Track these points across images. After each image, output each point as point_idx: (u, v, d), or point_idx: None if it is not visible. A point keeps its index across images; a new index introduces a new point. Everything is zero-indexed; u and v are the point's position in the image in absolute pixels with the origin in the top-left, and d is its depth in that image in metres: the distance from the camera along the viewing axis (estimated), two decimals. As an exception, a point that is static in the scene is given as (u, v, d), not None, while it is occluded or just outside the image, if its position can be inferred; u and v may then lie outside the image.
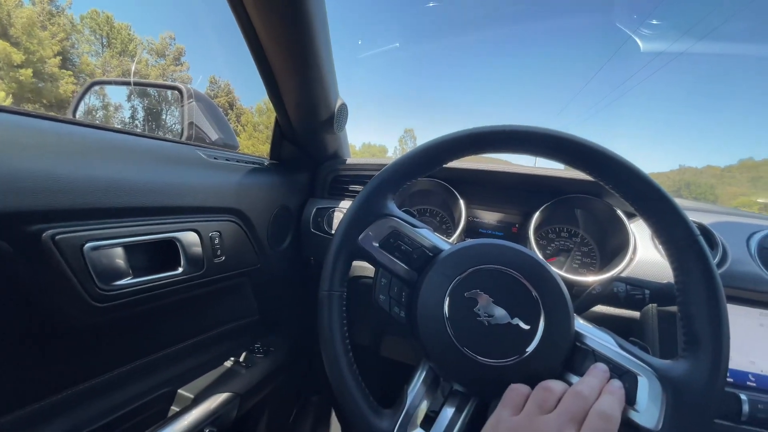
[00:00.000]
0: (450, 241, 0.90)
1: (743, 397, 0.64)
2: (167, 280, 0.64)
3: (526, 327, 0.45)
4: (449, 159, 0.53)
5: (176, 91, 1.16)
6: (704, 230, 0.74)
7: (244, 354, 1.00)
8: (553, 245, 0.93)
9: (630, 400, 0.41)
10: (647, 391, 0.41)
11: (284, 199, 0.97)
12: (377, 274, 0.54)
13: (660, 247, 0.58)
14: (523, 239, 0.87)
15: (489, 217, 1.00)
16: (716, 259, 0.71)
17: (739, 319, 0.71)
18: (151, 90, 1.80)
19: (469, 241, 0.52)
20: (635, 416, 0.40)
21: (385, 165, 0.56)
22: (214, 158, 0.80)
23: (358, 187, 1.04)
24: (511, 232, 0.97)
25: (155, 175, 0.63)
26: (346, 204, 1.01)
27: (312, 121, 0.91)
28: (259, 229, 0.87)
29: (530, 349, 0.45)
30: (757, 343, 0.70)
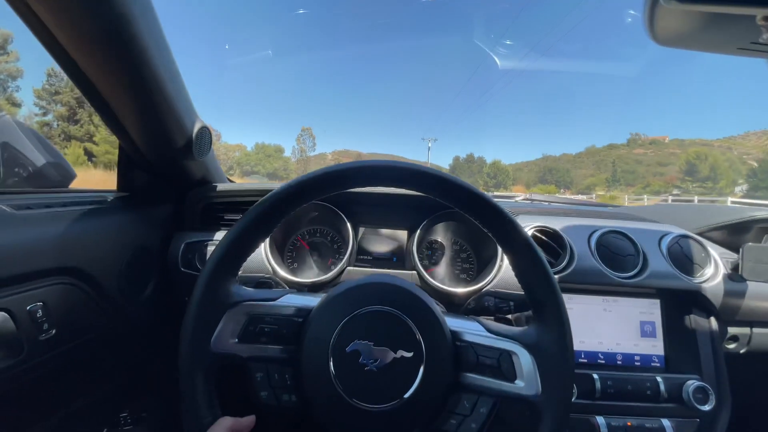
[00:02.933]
0: (339, 266, 0.89)
1: (595, 376, 0.76)
2: None
3: (410, 354, 0.46)
4: (283, 216, 0.50)
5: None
6: (556, 234, 0.86)
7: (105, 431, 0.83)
8: (436, 255, 0.99)
9: (511, 376, 0.46)
10: (523, 362, 0.46)
11: (140, 239, 0.82)
12: (249, 371, 0.48)
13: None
14: (410, 255, 0.91)
15: (378, 237, 1.01)
16: (566, 258, 0.83)
17: (587, 307, 0.85)
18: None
19: (332, 291, 0.50)
20: (522, 389, 0.45)
21: (269, 190, 0.50)
22: (26, 208, 0.62)
23: (235, 216, 0.94)
24: (401, 250, 0.99)
25: None
26: (222, 236, 0.90)
27: (165, 149, 0.78)
28: (107, 282, 0.72)
29: (419, 374, 0.45)
30: (602, 326, 0.84)
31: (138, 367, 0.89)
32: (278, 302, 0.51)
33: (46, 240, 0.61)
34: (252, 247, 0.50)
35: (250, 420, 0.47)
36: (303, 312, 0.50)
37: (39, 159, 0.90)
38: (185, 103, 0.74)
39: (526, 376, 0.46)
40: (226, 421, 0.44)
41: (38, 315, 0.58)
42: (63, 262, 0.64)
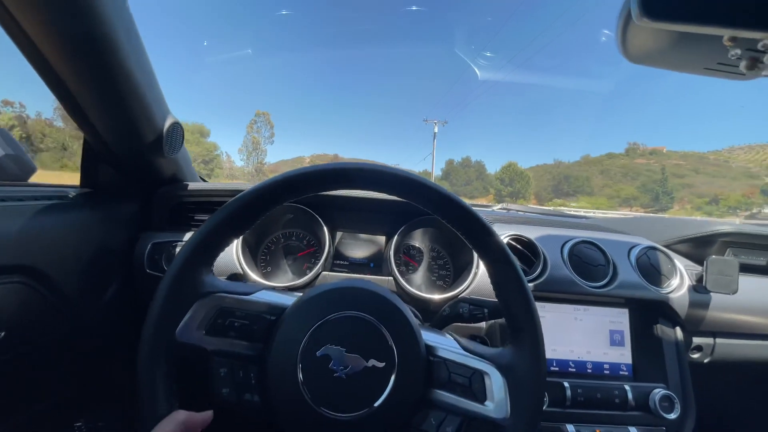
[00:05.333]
0: (315, 270, 0.88)
1: (566, 384, 0.77)
2: None
3: (381, 365, 0.44)
4: (264, 212, 0.48)
5: None
6: (530, 243, 0.87)
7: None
8: (414, 261, 0.99)
9: (481, 397, 0.45)
10: (494, 384, 0.46)
11: (104, 237, 0.78)
12: (212, 365, 0.46)
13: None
14: (387, 260, 0.90)
15: (356, 242, 0.99)
16: (539, 267, 0.84)
17: (559, 315, 0.86)
18: None
19: (309, 292, 0.49)
20: (490, 411, 0.45)
21: (242, 190, 0.48)
22: None
23: (206, 217, 0.90)
24: (379, 256, 0.99)
25: None
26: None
27: (133, 144, 0.74)
28: (65, 283, 0.68)
29: (389, 385, 0.44)
30: (573, 334, 0.85)
31: (96, 373, 0.84)
32: (252, 297, 0.49)
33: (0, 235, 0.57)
34: (229, 239, 0.49)
35: (206, 416, 0.44)
36: (276, 310, 0.48)
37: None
38: (156, 96, 0.72)
39: (497, 398, 0.45)
40: (179, 415, 0.42)
41: None
42: (16, 260, 0.60)
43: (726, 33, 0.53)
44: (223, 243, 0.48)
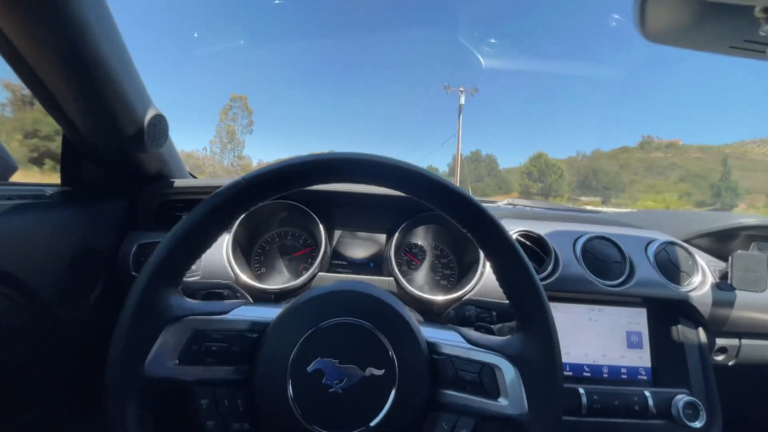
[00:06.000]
0: (310, 271, 0.83)
1: (581, 390, 0.71)
2: None
3: (380, 372, 0.40)
4: (234, 216, 0.45)
5: None
6: (540, 239, 0.81)
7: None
8: (416, 260, 0.94)
9: (494, 393, 0.41)
10: (506, 377, 0.42)
11: (86, 239, 0.73)
12: (192, 398, 0.41)
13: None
14: (388, 260, 0.85)
15: (355, 240, 0.94)
16: (551, 265, 0.79)
17: (573, 316, 0.80)
18: None
19: (292, 302, 0.45)
20: (506, 408, 0.41)
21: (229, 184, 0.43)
22: None
23: None
24: (379, 255, 0.93)
25: None
26: None
27: (113, 138, 0.70)
28: (42, 289, 0.64)
29: (392, 393, 0.40)
30: (588, 336, 0.80)
31: (80, 383, 0.80)
32: (229, 316, 0.45)
33: None
34: (198, 251, 0.44)
35: None
36: (258, 326, 0.44)
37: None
38: (135, 86, 0.67)
39: (511, 393, 0.41)
40: None
41: None
42: None
43: (758, 3, 0.47)
44: (189, 258, 0.43)
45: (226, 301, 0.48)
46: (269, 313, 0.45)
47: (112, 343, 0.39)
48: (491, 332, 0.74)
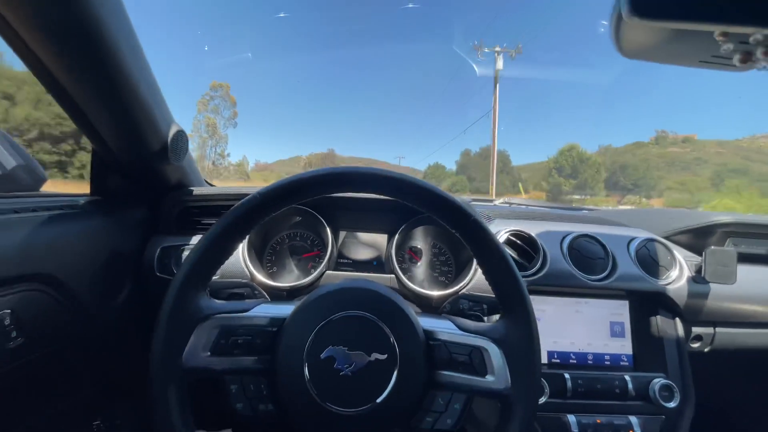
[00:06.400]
0: (318, 270, 0.90)
1: (566, 375, 0.79)
2: None
3: (384, 356, 0.47)
4: (252, 227, 0.51)
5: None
6: (530, 238, 0.88)
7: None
8: (416, 258, 1.01)
9: (482, 371, 0.48)
10: (493, 357, 0.48)
11: (114, 243, 0.80)
12: (223, 384, 0.48)
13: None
14: (389, 259, 0.92)
15: (358, 241, 1.01)
16: (539, 262, 0.86)
17: (560, 308, 0.87)
18: None
19: (305, 299, 0.51)
20: (492, 383, 0.47)
21: (246, 194, 0.50)
22: None
23: (211, 221, 0.93)
24: (381, 254, 1.00)
25: None
26: (198, 240, 0.90)
27: (140, 153, 0.77)
28: (79, 289, 0.71)
29: (394, 374, 0.46)
30: (574, 327, 0.87)
31: (112, 373, 0.88)
32: (251, 313, 0.51)
33: (13, 246, 0.60)
34: (222, 258, 0.51)
35: None
36: (276, 322, 0.50)
37: (8, 162, 0.87)
38: (160, 106, 0.74)
39: (497, 371, 0.48)
40: None
41: (6, 323, 0.57)
42: (32, 269, 0.62)
43: (716, 29, 0.53)
44: (215, 265, 0.50)
45: (247, 301, 0.54)
46: (285, 309, 0.52)
47: (154, 340, 0.46)
48: (481, 320, 0.81)
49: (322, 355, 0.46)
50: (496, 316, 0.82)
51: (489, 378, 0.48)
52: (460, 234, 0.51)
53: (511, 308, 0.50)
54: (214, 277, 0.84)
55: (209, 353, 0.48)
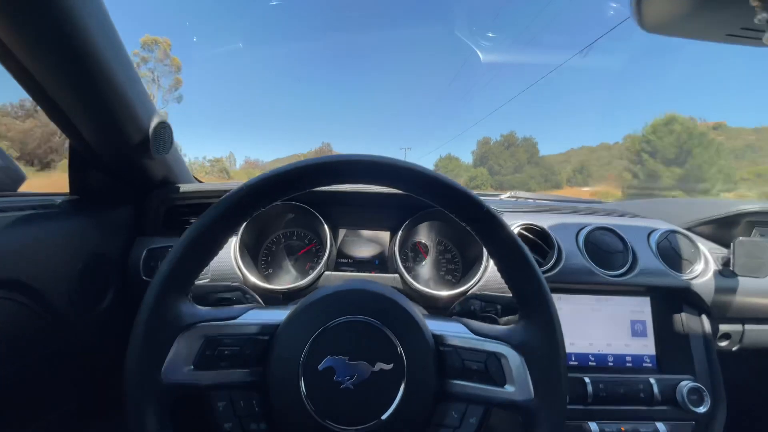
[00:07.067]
0: (316, 271, 0.84)
1: (586, 379, 0.73)
2: None
3: (389, 366, 0.42)
4: (239, 224, 0.46)
5: None
6: (543, 232, 0.82)
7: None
8: (420, 256, 0.95)
9: (501, 381, 0.43)
10: (512, 364, 0.43)
11: (95, 246, 0.74)
12: (209, 401, 0.43)
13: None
14: (392, 257, 0.86)
15: (359, 239, 0.96)
16: (554, 257, 0.80)
17: (577, 307, 0.81)
18: None
19: (300, 304, 0.46)
20: (513, 394, 0.42)
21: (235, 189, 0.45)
22: None
23: None
24: (383, 253, 0.94)
25: None
26: None
27: (119, 147, 0.71)
28: (55, 296, 0.65)
29: (401, 386, 0.41)
30: (592, 326, 0.81)
31: (93, 388, 0.82)
32: (239, 320, 0.46)
33: None
34: (205, 259, 0.45)
35: None
36: (268, 329, 0.45)
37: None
38: (139, 94, 0.68)
39: (517, 380, 0.43)
40: None
41: None
42: (3, 274, 0.57)
43: None
44: (197, 267, 0.44)
45: (236, 306, 0.49)
46: (278, 315, 0.46)
47: (128, 353, 0.40)
48: (496, 323, 0.75)
49: (320, 367, 0.41)
50: (508, 318, 0.77)
51: (508, 388, 0.43)
52: (471, 228, 0.45)
53: (531, 309, 0.45)
54: (203, 281, 0.79)
55: (192, 367, 0.42)
